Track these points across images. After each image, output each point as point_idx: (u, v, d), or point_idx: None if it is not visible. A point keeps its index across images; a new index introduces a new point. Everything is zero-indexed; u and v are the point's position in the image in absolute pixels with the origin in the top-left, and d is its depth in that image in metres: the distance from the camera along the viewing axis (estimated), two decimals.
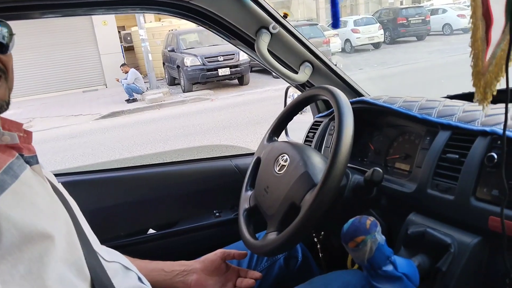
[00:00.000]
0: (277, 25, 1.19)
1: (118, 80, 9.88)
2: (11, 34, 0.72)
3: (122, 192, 1.31)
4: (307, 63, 1.31)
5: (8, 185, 0.67)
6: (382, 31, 14.98)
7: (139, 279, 0.91)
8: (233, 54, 9.75)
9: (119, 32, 13.66)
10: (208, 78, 9.87)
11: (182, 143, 5.75)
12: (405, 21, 15.32)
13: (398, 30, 15.45)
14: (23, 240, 0.64)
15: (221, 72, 9.79)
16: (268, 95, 8.63)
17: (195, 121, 7.10)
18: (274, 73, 1.31)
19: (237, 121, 6.58)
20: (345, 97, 0.93)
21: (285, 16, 1.22)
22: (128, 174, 1.35)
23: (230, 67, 9.83)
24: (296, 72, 1.31)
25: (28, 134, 0.79)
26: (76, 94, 11.69)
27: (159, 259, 1.04)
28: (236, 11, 1.15)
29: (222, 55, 9.78)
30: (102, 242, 0.88)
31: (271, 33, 1.20)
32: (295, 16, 20.31)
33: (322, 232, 1.21)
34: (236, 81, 10.61)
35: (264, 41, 1.20)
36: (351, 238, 0.71)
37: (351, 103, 0.94)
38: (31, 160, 0.78)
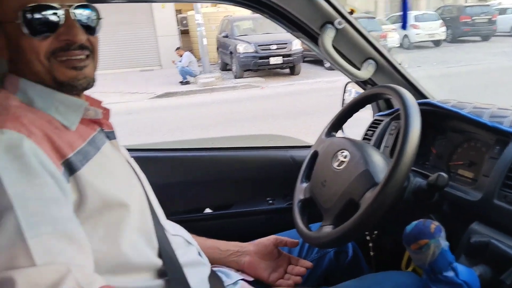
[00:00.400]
0: (343, 21, 1.19)
1: (173, 62, 10.19)
2: (98, 18, 0.78)
3: (183, 171, 1.38)
4: (370, 60, 1.30)
5: (91, 155, 0.74)
6: (444, 29, 14.21)
7: (199, 253, 0.97)
8: (286, 43, 9.70)
9: (176, 15, 13.98)
10: (259, 66, 9.91)
11: (231, 128, 5.86)
12: (469, 20, 14.41)
13: (461, 28, 14.58)
14: (103, 206, 0.71)
15: (273, 60, 9.78)
16: (319, 87, 8.53)
17: (244, 108, 7.19)
18: (331, 66, 1.30)
19: (286, 111, 6.58)
20: (413, 98, 0.93)
21: (351, 12, 1.22)
22: (190, 155, 1.42)
23: (283, 56, 9.79)
24: (359, 69, 1.31)
25: (107, 111, 0.86)
26: (133, 73, 12.18)
27: (213, 238, 1.10)
28: (303, 4, 1.16)
29: (275, 44, 9.76)
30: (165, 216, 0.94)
31: (336, 29, 1.21)
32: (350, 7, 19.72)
33: (376, 231, 1.21)
34: (287, 70, 10.56)
35: (329, 36, 1.21)
36: (414, 240, 0.72)
37: (418, 103, 0.94)
38: (110, 135, 0.85)
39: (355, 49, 1.27)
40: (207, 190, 1.40)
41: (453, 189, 0.97)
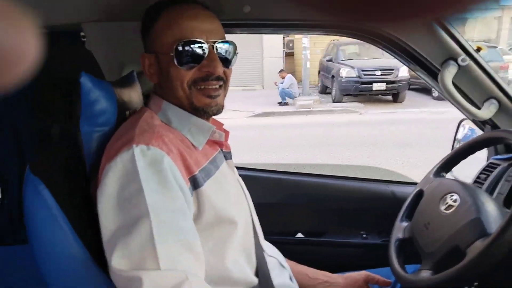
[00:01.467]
0: (467, 58, 1.14)
1: (275, 84, 10.53)
2: (235, 53, 0.88)
3: (281, 193, 1.44)
4: (493, 100, 1.22)
5: (212, 173, 0.83)
6: None
7: (290, 278, 1.00)
8: (392, 70, 9.36)
9: (283, 38, 14.47)
10: (361, 91, 9.70)
11: (323, 152, 5.82)
12: None
13: None
14: (216, 221, 0.79)
15: (376, 86, 9.50)
16: (424, 117, 8.03)
17: (340, 133, 7.09)
18: (439, 96, 1.24)
19: (384, 140, 6.32)
20: None
21: (478, 49, 1.17)
22: (289, 178, 1.47)
23: (387, 82, 9.46)
24: (479, 108, 1.24)
25: (226, 133, 0.95)
26: (236, 91, 12.87)
27: (303, 263, 1.12)
28: (426, 39, 1.14)
29: (380, 70, 9.48)
30: None
31: (459, 65, 1.16)
32: (469, 35, 18.29)
33: (475, 283, 1.12)
34: (390, 97, 10.17)
35: (450, 73, 1.17)
36: None
37: None
38: (227, 155, 0.95)
39: (477, 87, 1.20)
40: (302, 214, 1.43)
41: None
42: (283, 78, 10.32)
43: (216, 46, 0.81)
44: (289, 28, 1.20)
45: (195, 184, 0.77)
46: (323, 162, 5.37)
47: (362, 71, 9.57)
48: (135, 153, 0.69)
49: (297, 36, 14.22)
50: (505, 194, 1.15)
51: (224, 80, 0.85)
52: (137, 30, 0.88)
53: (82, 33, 1.15)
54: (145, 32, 0.86)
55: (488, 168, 1.28)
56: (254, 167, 1.50)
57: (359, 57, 10.55)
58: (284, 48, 14.52)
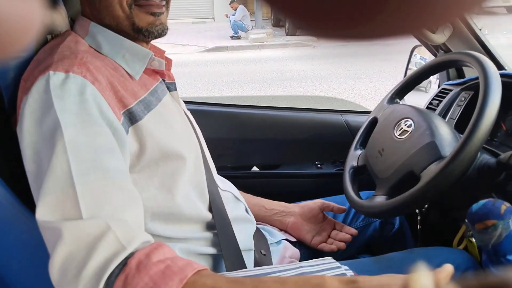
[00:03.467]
0: None
1: (227, 16, 10.07)
2: None
3: (234, 127, 1.38)
4: (447, 23, 1.19)
5: (153, 106, 0.74)
6: None
7: (246, 210, 0.98)
8: None
9: None
10: None
11: (277, 87, 5.78)
12: None
13: None
14: (161, 157, 0.72)
15: None
16: (374, 49, 8.10)
17: (293, 67, 7.03)
18: None
19: (336, 73, 6.36)
20: (495, 68, 0.85)
21: None
22: (241, 112, 1.41)
23: None
24: (433, 32, 1.20)
25: (169, 61, 0.85)
26: (186, 24, 12.20)
27: (260, 196, 1.11)
28: None
29: None
30: None
31: None
32: None
33: (426, 205, 1.17)
34: None
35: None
36: (481, 220, 0.68)
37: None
38: (171, 86, 0.85)
39: None
40: (256, 148, 1.40)
41: None
42: (234, 9, 9.86)
43: None
44: None
45: (131, 118, 0.68)
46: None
47: None
48: (50, 81, 0.61)
49: None
50: (456, 118, 1.17)
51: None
52: None
53: None
54: None
55: (440, 94, 1.28)
56: (206, 101, 1.41)
57: None
58: None
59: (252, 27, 10.18)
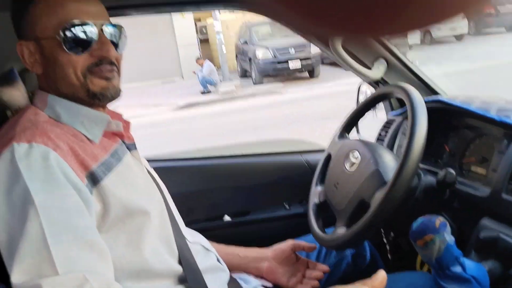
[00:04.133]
0: None
1: (194, 73, 10.37)
2: (125, 36, 0.84)
3: (201, 179, 1.43)
4: (381, 59, 1.31)
5: (114, 166, 0.78)
6: (466, 22, 13.82)
7: (217, 260, 1.00)
8: (305, 46, 9.68)
9: (195, 24, 14.22)
10: (278, 71, 9.95)
11: (251, 135, 5.90)
12: (492, 10, 13.97)
13: (483, 20, 14.15)
14: (125, 214, 0.76)
15: (292, 64, 9.80)
16: (339, 89, 8.45)
17: (264, 114, 7.22)
18: (346, 68, 1.32)
19: (305, 116, 6.57)
20: (420, 95, 0.94)
21: None
22: (207, 163, 1.47)
23: (301, 59, 9.80)
24: (370, 68, 1.32)
25: (127, 123, 0.90)
26: (156, 85, 12.46)
27: (233, 245, 1.13)
28: None
29: (293, 47, 9.78)
30: (184, 224, 0.98)
31: None
32: None
33: (392, 233, 1.22)
34: (306, 74, 10.55)
35: (338, 39, 1.23)
36: (420, 236, 0.73)
37: (426, 102, 0.95)
38: (131, 147, 0.89)
39: (365, 49, 1.28)
40: (225, 197, 1.44)
41: (464, 186, 0.97)
42: (201, 65, 10.19)
43: (104, 29, 0.78)
44: (182, 5, 1.17)
45: (94, 179, 0.73)
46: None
47: (277, 50, 9.79)
48: (15, 152, 0.65)
49: (209, 21, 14.05)
50: (403, 145, 1.26)
51: (116, 66, 0.81)
52: (8, 20, 0.80)
53: None
54: (19, 16, 0.79)
55: (386, 125, 1.38)
56: (170, 158, 1.46)
57: (273, 37, 10.73)
58: (197, 34, 14.29)
59: (220, 81, 10.49)
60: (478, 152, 1.07)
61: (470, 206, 0.95)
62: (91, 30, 0.76)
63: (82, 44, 0.75)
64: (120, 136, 0.87)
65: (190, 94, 10.12)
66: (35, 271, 0.58)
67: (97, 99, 0.79)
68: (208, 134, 6.33)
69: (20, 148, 0.65)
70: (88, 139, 0.78)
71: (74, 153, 0.71)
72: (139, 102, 9.77)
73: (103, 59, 0.77)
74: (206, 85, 10.01)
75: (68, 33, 0.74)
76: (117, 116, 0.89)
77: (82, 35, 0.75)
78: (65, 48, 0.74)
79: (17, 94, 0.88)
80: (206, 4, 1.18)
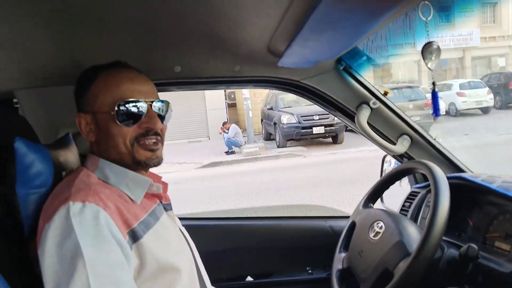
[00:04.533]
0: (377, 101, 1.31)
1: (220, 133, 10.70)
2: (169, 110, 0.95)
3: (227, 239, 1.48)
4: (405, 136, 1.38)
5: (152, 225, 0.86)
6: (491, 96, 13.96)
7: None
8: (329, 114, 9.88)
9: (224, 90, 14.91)
10: (302, 136, 10.15)
11: (272, 196, 5.92)
12: None
13: (510, 95, 14.26)
14: (159, 271, 0.82)
15: (316, 130, 10.01)
16: (362, 155, 8.48)
17: (286, 176, 7.27)
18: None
19: (328, 179, 6.58)
20: (442, 172, 0.99)
21: (385, 93, 1.34)
22: (233, 224, 1.52)
23: (325, 125, 10.01)
24: (394, 144, 1.39)
25: (165, 185, 1.00)
26: (182, 144, 12.83)
27: None
28: (340, 88, 1.30)
29: (318, 114, 10.02)
30: None
31: (371, 108, 1.33)
32: (395, 77, 20.05)
33: None
34: (330, 139, 10.70)
35: (364, 115, 1.33)
36: None
37: (449, 178, 1.00)
38: (167, 207, 0.99)
39: (389, 126, 1.37)
40: (249, 258, 1.47)
41: (487, 261, 0.98)
42: (227, 129, 10.56)
43: (153, 105, 0.88)
44: (217, 84, 1.32)
45: (134, 237, 0.79)
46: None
47: (302, 117, 10.07)
48: (70, 210, 0.72)
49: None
50: (427, 218, 1.29)
51: (161, 136, 0.91)
52: (70, 93, 0.93)
53: (14, 100, 1.16)
54: (81, 93, 0.90)
55: (410, 197, 1.42)
56: (200, 217, 1.53)
57: (298, 104, 11.08)
58: (226, 99, 14.92)
59: (245, 142, 10.74)
60: (502, 228, 1.08)
61: (493, 281, 0.95)
62: (142, 106, 0.86)
63: (132, 117, 0.86)
64: (159, 197, 0.96)
65: (215, 154, 10.35)
66: None
67: (141, 166, 0.89)
68: (230, 193, 6.38)
69: (74, 207, 0.73)
70: (131, 199, 0.86)
71: (119, 212, 0.79)
72: (166, 159, 9.97)
73: (150, 130, 0.87)
74: (231, 146, 10.27)
75: (122, 108, 0.84)
76: (157, 178, 0.99)
77: (133, 109, 0.85)
78: (117, 121, 0.85)
79: (71, 156, 0.99)
80: (235, 83, 1.32)
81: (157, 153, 0.90)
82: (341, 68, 1.27)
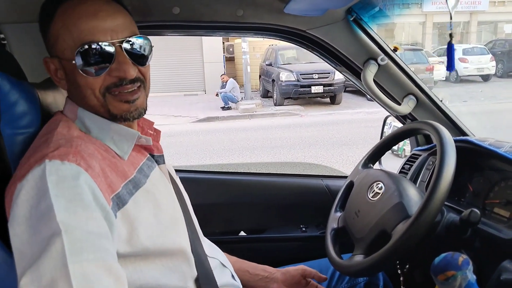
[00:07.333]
0: (385, 58, 1.24)
1: (217, 95, 10.53)
2: (151, 47, 0.80)
3: (221, 193, 1.46)
4: (411, 96, 1.33)
5: (142, 184, 0.78)
6: (493, 63, 13.76)
7: (232, 276, 1.01)
8: (329, 73, 9.78)
9: (223, 43, 14.54)
10: (300, 94, 10.05)
11: (267, 154, 5.94)
12: None
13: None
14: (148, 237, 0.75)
15: (314, 89, 9.89)
16: (359, 117, 8.47)
17: (282, 135, 7.26)
18: (372, 99, 1.35)
19: (324, 140, 6.59)
20: (450, 135, 0.95)
21: (395, 49, 1.27)
22: (228, 178, 1.50)
23: (324, 85, 9.89)
24: (399, 104, 1.34)
25: (158, 132, 0.91)
26: (178, 97, 12.69)
27: (246, 260, 1.15)
28: (348, 41, 1.22)
29: (317, 73, 9.88)
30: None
31: (378, 64, 1.26)
32: (398, 38, 19.59)
33: (407, 265, 1.21)
34: (328, 99, 10.61)
35: (371, 72, 1.26)
36: (442, 271, 0.73)
37: (455, 141, 0.96)
38: (159, 160, 0.89)
39: (396, 84, 1.31)
40: (243, 213, 1.46)
41: (486, 226, 0.97)
42: (225, 82, 10.37)
43: (123, 46, 0.73)
44: (218, 30, 1.23)
45: (119, 202, 0.71)
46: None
47: (301, 74, 9.91)
48: (46, 168, 0.63)
49: (236, 41, 14.36)
50: (426, 181, 1.26)
51: (141, 80, 0.78)
52: None
53: (1, 35, 1.08)
54: (44, 33, 0.77)
55: (411, 159, 1.39)
56: (195, 169, 1.50)
57: (297, 61, 10.88)
58: (224, 52, 14.58)
59: (242, 99, 10.62)
60: (503, 195, 1.07)
61: (491, 247, 0.95)
62: (107, 49, 0.72)
63: (97, 65, 0.72)
64: (149, 149, 0.87)
65: (211, 109, 10.27)
66: (48, 286, 0.56)
67: (118, 120, 0.77)
68: (224, 148, 6.39)
69: (51, 164, 0.64)
70: (118, 155, 0.77)
71: (104, 174, 0.70)
72: (160, 111, 9.94)
73: (122, 79, 0.74)
74: (227, 101, 10.15)
75: (82, 56, 0.71)
76: (147, 123, 0.90)
77: (96, 57, 0.71)
78: (80, 71, 0.72)
79: (60, 97, 0.92)
80: (236, 30, 1.24)
81: (137, 103, 0.77)
82: (351, 19, 1.19)
